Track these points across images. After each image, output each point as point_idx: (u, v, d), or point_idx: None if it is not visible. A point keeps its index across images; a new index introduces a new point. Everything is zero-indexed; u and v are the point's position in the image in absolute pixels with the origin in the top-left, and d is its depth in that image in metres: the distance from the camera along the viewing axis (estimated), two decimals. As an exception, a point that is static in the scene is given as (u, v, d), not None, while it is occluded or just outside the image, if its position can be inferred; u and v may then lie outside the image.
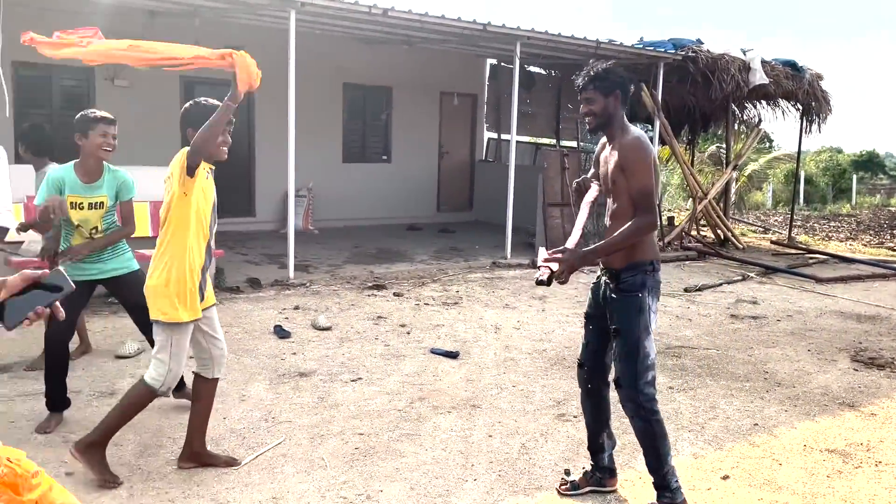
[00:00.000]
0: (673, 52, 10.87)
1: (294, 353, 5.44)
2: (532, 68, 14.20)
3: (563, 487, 3.40)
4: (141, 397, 3.33)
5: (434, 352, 5.60)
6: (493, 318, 6.77)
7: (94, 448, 3.26)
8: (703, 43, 11.48)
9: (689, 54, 11.10)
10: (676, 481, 3.18)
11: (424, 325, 6.42)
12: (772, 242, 13.20)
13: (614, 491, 3.43)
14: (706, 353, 5.92)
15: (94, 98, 10.31)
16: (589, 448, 3.46)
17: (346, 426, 4.07)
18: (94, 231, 4.02)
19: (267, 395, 4.54)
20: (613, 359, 3.21)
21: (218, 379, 3.55)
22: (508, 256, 9.82)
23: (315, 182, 12.08)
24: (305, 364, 5.19)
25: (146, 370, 3.36)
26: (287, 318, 6.51)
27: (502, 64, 13.86)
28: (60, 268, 1.74)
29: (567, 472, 3.47)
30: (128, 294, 4.10)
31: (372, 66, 12.21)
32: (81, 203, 3.96)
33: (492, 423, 4.22)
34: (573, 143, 14.52)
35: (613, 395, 3.30)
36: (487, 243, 10.97)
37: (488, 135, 14.91)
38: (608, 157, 3.22)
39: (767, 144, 26.79)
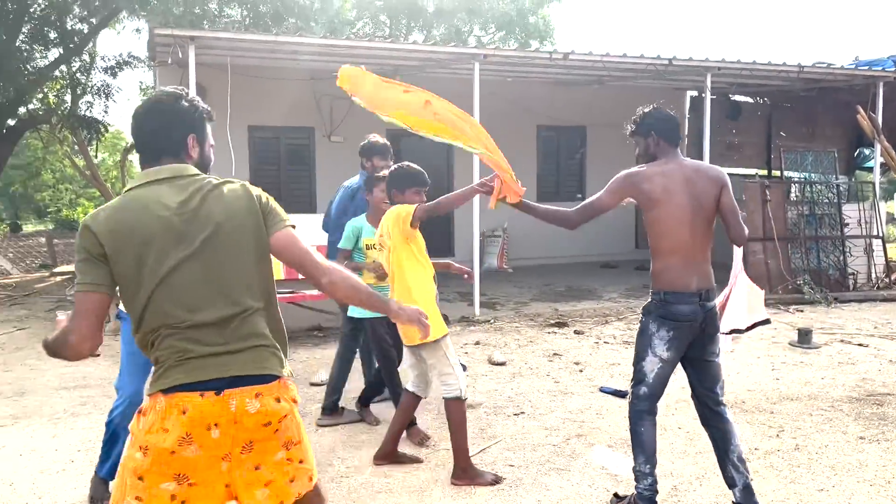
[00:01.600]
0: (893, 69, 9.86)
1: (466, 387, 5.70)
2: (737, 97, 13.55)
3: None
4: (459, 410, 3.89)
5: (603, 390, 5.58)
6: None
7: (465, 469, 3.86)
8: (932, 56, 10.28)
9: (915, 70, 9.99)
10: (646, 487, 3.39)
11: (599, 364, 6.39)
12: None
13: None
14: (916, 402, 5.27)
15: (315, 153, 11.61)
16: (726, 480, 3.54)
17: (499, 457, 4.24)
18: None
19: (433, 423, 4.84)
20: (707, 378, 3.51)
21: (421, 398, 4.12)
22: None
23: (510, 222, 12.47)
24: (474, 396, 5.43)
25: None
26: (466, 352, 6.82)
27: (702, 95, 13.40)
28: None
29: (616, 496, 3.63)
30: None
31: (564, 107, 12.43)
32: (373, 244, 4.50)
33: (646, 463, 4.14)
34: (791, 174, 13.57)
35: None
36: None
37: (690, 168, 14.37)
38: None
39: None
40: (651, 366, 3.38)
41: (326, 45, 8.19)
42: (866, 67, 9.85)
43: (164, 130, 2.14)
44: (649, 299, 3.42)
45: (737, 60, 9.03)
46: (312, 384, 5.80)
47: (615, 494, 3.66)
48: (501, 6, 16.85)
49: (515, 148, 12.97)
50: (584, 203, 3.50)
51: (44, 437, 4.56)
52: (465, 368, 6.15)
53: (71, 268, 14.13)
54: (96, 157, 20.55)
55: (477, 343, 7.19)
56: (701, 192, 3.37)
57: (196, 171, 2.15)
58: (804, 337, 7.02)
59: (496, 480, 3.86)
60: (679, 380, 5.80)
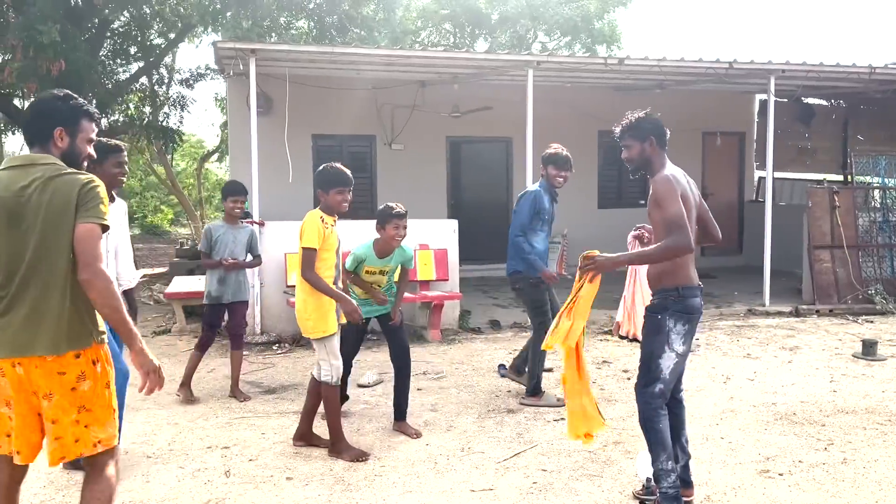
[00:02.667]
0: (975, 67, 9.35)
1: (509, 391, 5.75)
2: (810, 100, 13.10)
3: (638, 491, 3.73)
4: (332, 393, 4.35)
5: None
6: (726, 368, 6.42)
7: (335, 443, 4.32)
8: None
9: None
10: (670, 484, 3.40)
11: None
12: None
13: (689, 502, 3.62)
14: (983, 419, 5.00)
15: (376, 160, 11.85)
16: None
17: (532, 462, 4.27)
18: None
19: (471, 427, 4.90)
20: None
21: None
22: (766, 303, 9.12)
23: (570, 228, 12.40)
24: (514, 403, 5.46)
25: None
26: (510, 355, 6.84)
27: (776, 99, 13.01)
28: None
29: (648, 481, 3.68)
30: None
31: (626, 113, 12.26)
32: (373, 271, 4.80)
33: (683, 472, 4.09)
34: (870, 179, 13.03)
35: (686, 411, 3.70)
36: (749, 289, 10.26)
37: (759, 173, 13.98)
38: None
39: None
40: (668, 362, 3.44)
41: (382, 55, 8.38)
42: (945, 67, 9.37)
43: (36, 123, 2.64)
44: (658, 297, 3.49)
45: (802, 62, 8.75)
46: (360, 385, 5.93)
47: (647, 479, 3.69)
48: (565, 11, 16.77)
49: (577, 154, 12.78)
50: (677, 224, 3.31)
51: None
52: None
53: (149, 271, 14.82)
54: (174, 165, 21.48)
55: (527, 349, 7.20)
56: (695, 193, 3.63)
57: (52, 160, 2.59)
58: (869, 348, 6.75)
59: (360, 457, 4.24)
60: (730, 390, 5.70)
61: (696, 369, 6.37)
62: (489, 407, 5.35)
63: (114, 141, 4.03)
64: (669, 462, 3.44)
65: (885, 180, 10.12)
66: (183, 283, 8.81)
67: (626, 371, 6.33)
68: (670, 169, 3.56)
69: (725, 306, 9.29)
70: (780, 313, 8.91)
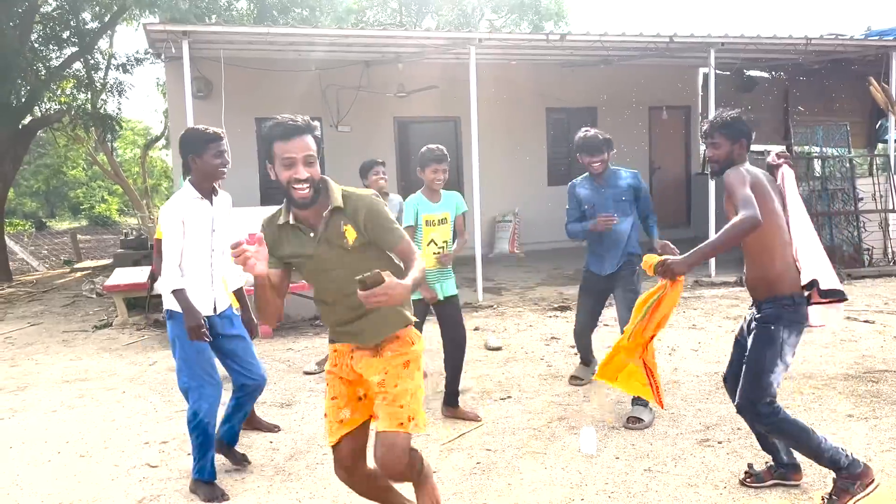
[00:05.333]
0: (906, 38, 9.57)
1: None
2: (752, 72, 13.29)
3: (748, 480, 3.55)
4: None
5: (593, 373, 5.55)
6: (672, 340, 6.50)
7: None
8: (948, 23, 9.94)
9: (930, 38, 9.68)
10: (847, 456, 3.20)
11: (595, 347, 6.34)
12: None
13: (798, 485, 3.51)
14: (914, 379, 5.16)
15: (323, 142, 11.65)
16: (763, 449, 3.61)
17: (477, 441, 4.25)
18: (444, 245, 4.65)
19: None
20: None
21: None
22: (713, 274, 9.29)
23: (521, 206, 12.42)
24: (463, 382, 5.40)
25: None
26: (465, 338, 6.82)
27: (718, 72, 13.16)
28: None
29: (750, 466, 3.61)
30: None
31: (573, 89, 12.30)
32: (433, 220, 4.59)
33: (625, 445, 4.13)
34: (809, 149, 13.30)
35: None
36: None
37: (705, 146, 14.16)
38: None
39: None
40: (779, 377, 3.22)
41: (321, 34, 8.21)
42: (877, 37, 9.57)
43: None
44: (770, 306, 3.22)
45: (740, 35, 8.85)
46: (306, 373, 5.85)
47: (749, 465, 3.62)
48: (511, -12, 16.71)
49: (525, 131, 12.97)
50: (744, 202, 3.10)
51: (37, 429, 4.68)
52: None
53: (93, 263, 14.43)
54: (120, 154, 20.89)
55: (476, 329, 7.18)
56: (781, 188, 3.42)
57: None
58: (808, 315, 6.89)
59: (273, 428, 4.47)
60: (674, 361, 5.77)
61: (642, 342, 6.43)
62: (436, 388, 5.31)
63: (213, 129, 3.63)
64: (826, 442, 3.20)
65: (824, 149, 10.33)
66: (124, 275, 8.57)
67: (573, 347, 6.34)
68: (756, 170, 3.33)
69: (673, 278, 9.40)
70: (724, 283, 9.07)
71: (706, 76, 13.51)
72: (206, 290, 3.67)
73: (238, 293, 4.08)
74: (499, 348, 6.39)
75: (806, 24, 57.51)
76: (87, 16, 13.88)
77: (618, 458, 3.96)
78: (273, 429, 4.50)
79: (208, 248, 3.68)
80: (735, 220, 3.07)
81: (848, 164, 9.92)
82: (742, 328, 3.48)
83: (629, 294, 4.84)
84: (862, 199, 9.80)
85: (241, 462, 3.97)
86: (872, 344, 6.14)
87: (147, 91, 42.04)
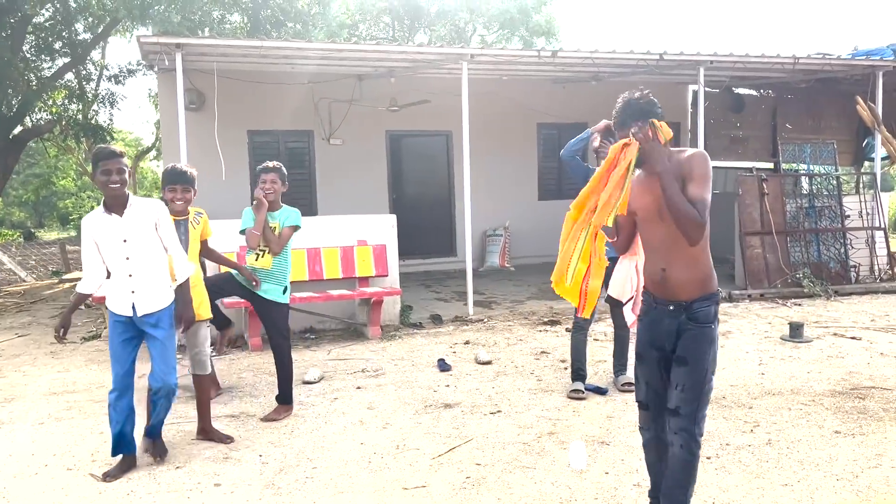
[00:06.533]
0: (892, 58, 9.72)
1: (448, 386, 5.73)
2: (741, 90, 13.43)
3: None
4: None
5: (586, 388, 5.56)
6: (661, 355, 6.53)
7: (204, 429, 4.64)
8: (934, 44, 10.13)
9: (916, 58, 9.84)
10: None
11: (590, 361, 6.36)
12: None
13: None
14: (900, 395, 5.21)
15: (314, 155, 11.68)
16: (651, 495, 3.28)
17: (467, 456, 4.25)
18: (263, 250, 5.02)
19: (408, 423, 4.86)
20: (672, 388, 3.03)
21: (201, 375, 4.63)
22: (701, 290, 9.32)
23: (512, 220, 12.47)
24: (454, 396, 5.45)
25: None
26: (455, 352, 6.84)
27: (707, 89, 13.30)
28: None
29: None
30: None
31: (564, 105, 12.38)
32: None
33: (614, 460, 4.14)
34: (797, 166, 13.44)
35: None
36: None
37: (694, 163, 14.27)
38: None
39: None
40: (713, 378, 3.05)
41: (314, 48, 8.25)
42: (864, 57, 9.72)
43: None
44: (704, 304, 2.98)
45: (729, 53, 8.96)
46: (305, 382, 5.84)
47: None
48: (502, 4, 16.82)
49: (516, 145, 13.04)
50: (704, 208, 2.86)
51: (24, 441, 4.65)
52: (449, 368, 6.19)
53: (81, 274, 14.33)
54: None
55: (467, 342, 7.20)
56: None
57: None
58: (795, 331, 6.96)
59: (225, 439, 4.50)
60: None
61: (632, 358, 6.45)
62: (427, 402, 5.32)
63: (112, 148, 3.98)
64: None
65: (811, 167, 10.44)
66: (114, 287, 8.53)
67: (563, 361, 6.38)
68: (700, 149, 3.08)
69: (662, 294, 9.46)
70: (714, 299, 9.11)
71: (696, 93, 13.68)
72: (125, 294, 3.99)
73: (178, 289, 4.18)
74: (489, 362, 6.40)
75: (794, 44, 58.32)
76: (79, 27, 13.90)
77: (607, 473, 3.97)
78: (225, 440, 4.51)
79: (122, 257, 3.96)
80: (694, 213, 2.81)
81: (835, 182, 10.03)
82: (644, 343, 3.15)
83: None
84: (849, 216, 9.90)
85: (158, 454, 4.24)
86: (859, 360, 6.19)
87: (139, 102, 41.93)
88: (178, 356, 6.02)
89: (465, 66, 8.20)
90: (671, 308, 3.03)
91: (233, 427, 4.84)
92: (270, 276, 4.98)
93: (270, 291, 4.98)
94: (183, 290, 4.19)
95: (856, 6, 64.74)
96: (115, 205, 3.90)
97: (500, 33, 18.83)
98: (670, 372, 3.07)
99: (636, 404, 3.31)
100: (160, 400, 4.12)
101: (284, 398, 5.07)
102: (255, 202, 4.90)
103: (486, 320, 8.21)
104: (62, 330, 4.10)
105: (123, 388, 4.08)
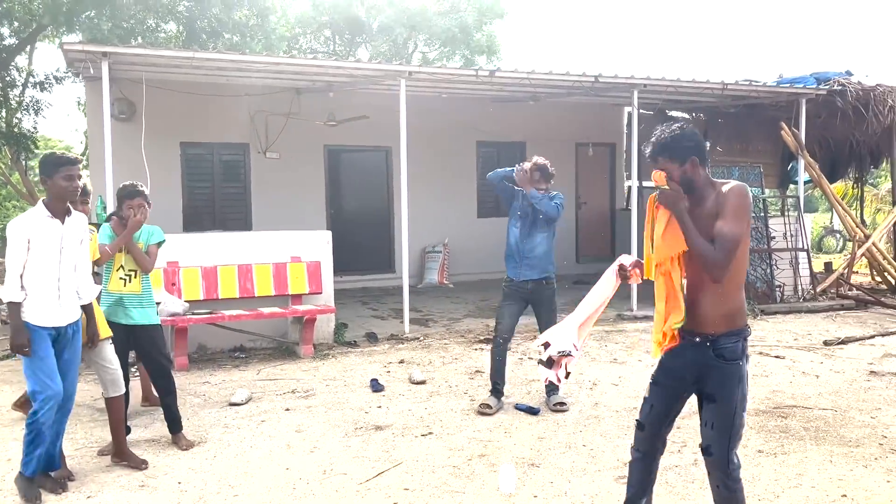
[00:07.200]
0: (815, 86, 10.13)
1: (380, 407, 5.63)
2: (674, 113, 13.81)
3: None
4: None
5: (518, 407, 5.55)
6: (594, 374, 6.58)
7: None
8: (852, 74, 10.60)
9: (836, 87, 10.28)
10: None
11: (518, 381, 6.37)
12: (956, 288, 11.60)
13: None
14: (820, 413, 5.36)
15: (250, 169, 11.45)
16: None
17: (395, 481, 4.17)
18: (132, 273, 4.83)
19: (336, 447, 4.74)
20: (703, 425, 3.06)
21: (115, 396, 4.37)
22: (634, 308, 9.49)
23: (451, 237, 12.47)
24: (386, 418, 5.36)
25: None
26: (389, 371, 6.75)
27: (641, 111, 13.63)
28: None
29: None
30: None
31: (503, 123, 12.50)
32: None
33: (544, 483, 4.12)
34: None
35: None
36: (620, 294, 10.57)
37: (629, 183, 14.59)
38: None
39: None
40: (745, 414, 3.02)
41: (249, 61, 8.09)
42: (788, 84, 10.10)
43: None
44: (731, 341, 2.94)
45: (662, 77, 9.19)
46: (232, 404, 5.65)
47: None
48: (444, 22, 16.92)
49: (456, 163, 13.06)
50: (728, 246, 2.85)
51: (-78, 470, 4.35)
52: (382, 388, 6.09)
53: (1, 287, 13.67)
54: (30, 173, 19.94)
55: (401, 361, 7.12)
56: None
57: None
58: (723, 350, 7.09)
59: (140, 465, 4.34)
60: (595, 396, 5.83)
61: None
62: (357, 424, 5.21)
63: (71, 155, 4.06)
64: None
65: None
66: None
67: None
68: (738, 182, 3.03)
69: (597, 312, 9.57)
70: (647, 317, 9.25)
71: (630, 115, 14.02)
72: (54, 303, 3.91)
73: (86, 307, 4.16)
74: (423, 382, 6.33)
75: (724, 70, 60.66)
76: (4, 31, 13.34)
77: (536, 496, 3.94)
78: (141, 465, 4.35)
79: (56, 264, 3.92)
80: (714, 253, 2.84)
81: (761, 204, 10.36)
82: (665, 371, 3.17)
83: (551, 313, 5.47)
84: (774, 237, 10.23)
85: (60, 485, 4.02)
86: (782, 379, 6.35)
87: (68, 110, 40.54)
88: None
89: (403, 84, 8.17)
90: (696, 340, 3.01)
91: (151, 452, 4.64)
92: (142, 300, 4.81)
93: (146, 315, 4.80)
94: (88, 309, 4.16)
95: (781, 36, 67.76)
96: (60, 211, 3.94)
97: (441, 51, 18.93)
98: (679, 401, 3.15)
99: (634, 423, 3.33)
100: (65, 417, 4.05)
101: (179, 424, 4.82)
102: (126, 222, 4.69)
103: (422, 338, 8.15)
104: (27, 347, 3.82)
105: (66, 398, 3.97)
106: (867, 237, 11.05)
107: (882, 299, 10.20)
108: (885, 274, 11.33)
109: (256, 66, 8.27)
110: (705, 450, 3.03)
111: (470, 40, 17.78)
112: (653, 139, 3.07)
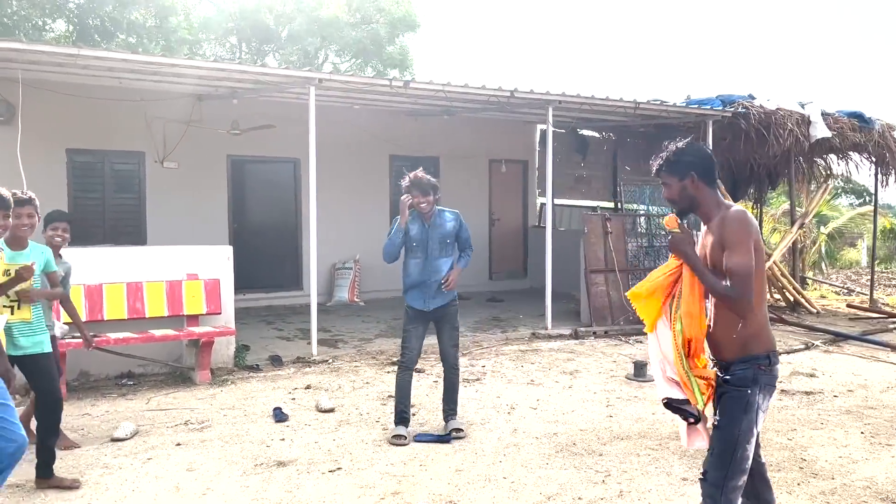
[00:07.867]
0: (720, 108, 10.36)
1: (283, 440, 5.16)
2: (585, 132, 13.94)
3: None
4: None
5: (418, 439, 5.16)
6: (511, 397, 6.33)
7: None
8: (754, 98, 10.92)
9: (740, 110, 10.56)
10: None
11: (435, 406, 6.02)
12: (848, 306, 12.13)
13: None
14: (739, 437, 5.27)
15: (145, 179, 10.69)
16: None
17: (299, 526, 3.74)
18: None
19: (232, 488, 4.26)
20: (708, 450, 2.91)
21: None
22: (549, 327, 9.34)
23: (362, 253, 12.05)
24: (290, 452, 4.90)
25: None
26: (294, 398, 6.28)
27: (554, 129, 13.67)
28: None
29: None
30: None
31: (418, 138, 12.24)
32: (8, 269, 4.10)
33: (463, 523, 3.79)
34: (637, 207, 14.06)
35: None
36: (534, 312, 10.51)
37: (541, 200, 14.61)
38: (704, 239, 2.95)
39: (863, 199, 25.14)
40: (752, 447, 2.82)
41: (143, 62, 7.46)
42: (696, 106, 10.29)
43: None
44: (742, 368, 2.80)
45: (577, 94, 9.14)
46: (115, 439, 5.05)
47: None
48: (355, 33, 16.56)
49: (369, 177, 12.69)
50: (743, 280, 2.72)
51: None
52: (286, 418, 5.62)
53: None
54: None
55: (308, 387, 6.65)
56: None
57: None
58: (639, 370, 7.02)
59: (72, 485, 4.17)
60: (514, 421, 5.57)
61: (482, 399, 6.21)
62: (257, 461, 4.73)
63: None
64: None
65: (650, 208, 10.87)
66: None
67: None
68: (738, 208, 2.90)
69: (511, 330, 9.40)
70: (561, 336, 9.15)
71: (543, 133, 14.05)
72: None
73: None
74: (331, 410, 5.89)
75: (634, 90, 63.02)
76: None
77: (455, 539, 3.61)
78: (73, 485, 4.19)
79: None
80: (732, 292, 2.72)
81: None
82: None
83: (454, 332, 5.32)
84: (684, 255, 10.34)
85: None
86: (699, 400, 6.28)
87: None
88: None
89: (312, 91, 7.75)
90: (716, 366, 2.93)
91: (16, 498, 4.02)
92: (35, 327, 4.24)
93: (39, 344, 4.25)
94: None
95: (688, 57, 71.08)
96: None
97: (353, 62, 18.52)
98: None
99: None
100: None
101: (51, 469, 4.27)
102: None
103: (330, 361, 7.69)
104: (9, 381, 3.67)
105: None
106: (768, 256, 11.36)
107: (783, 317, 10.48)
108: (785, 292, 11.69)
109: (152, 67, 7.65)
110: (703, 474, 2.89)
111: (382, 52, 17.47)
112: (658, 155, 3.00)
